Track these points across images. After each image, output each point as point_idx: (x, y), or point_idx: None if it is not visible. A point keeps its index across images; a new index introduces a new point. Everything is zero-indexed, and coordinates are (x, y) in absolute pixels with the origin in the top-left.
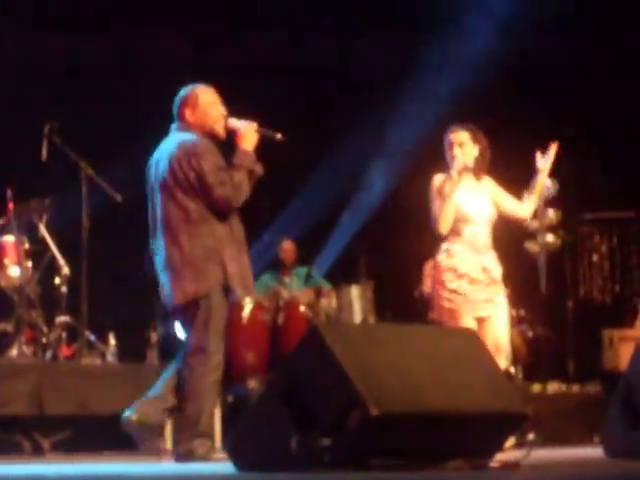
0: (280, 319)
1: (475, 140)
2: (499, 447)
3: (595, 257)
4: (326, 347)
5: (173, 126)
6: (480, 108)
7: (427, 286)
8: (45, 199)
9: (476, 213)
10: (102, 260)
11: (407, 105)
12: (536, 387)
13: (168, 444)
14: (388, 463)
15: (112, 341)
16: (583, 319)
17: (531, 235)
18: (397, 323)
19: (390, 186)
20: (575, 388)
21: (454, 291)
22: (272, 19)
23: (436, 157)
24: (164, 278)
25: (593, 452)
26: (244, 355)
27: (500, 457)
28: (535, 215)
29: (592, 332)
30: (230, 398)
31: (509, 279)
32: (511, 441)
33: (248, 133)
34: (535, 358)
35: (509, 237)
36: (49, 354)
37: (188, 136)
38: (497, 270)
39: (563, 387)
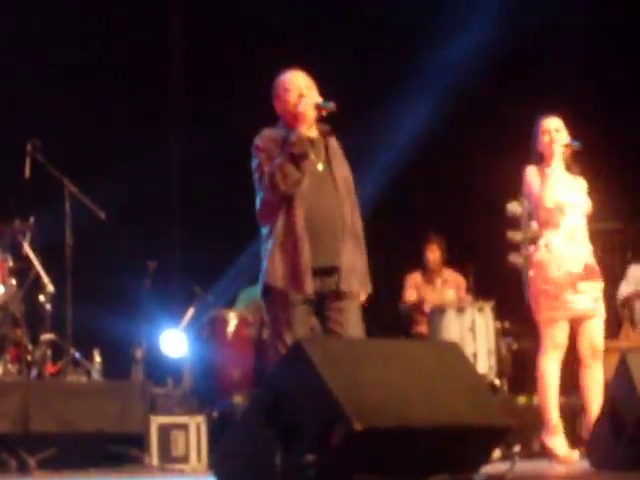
0: (265, 334)
1: (567, 130)
2: (484, 460)
3: None
4: (309, 362)
5: None
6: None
7: (410, 296)
8: (29, 219)
9: (574, 205)
10: (86, 277)
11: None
12: (522, 399)
13: (154, 460)
14: (373, 478)
15: (97, 358)
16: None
17: (515, 247)
18: (381, 337)
19: (367, 201)
20: (560, 400)
21: (557, 285)
22: None
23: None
24: None
25: (579, 464)
26: (229, 370)
27: (486, 470)
28: (519, 227)
29: (576, 344)
30: (215, 413)
31: (493, 291)
32: (497, 453)
33: (304, 111)
34: (520, 370)
35: (493, 249)
36: (34, 372)
37: (267, 129)
38: (594, 263)
39: None
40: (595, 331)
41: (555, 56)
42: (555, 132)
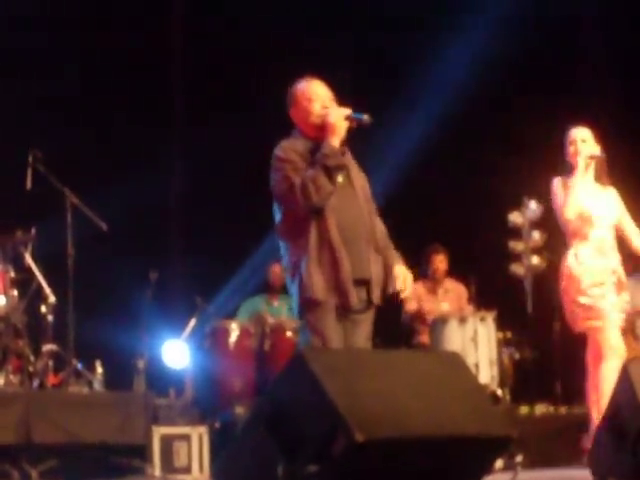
0: (267, 345)
1: (596, 140)
2: (486, 470)
3: None
4: (311, 373)
5: None
6: None
7: (412, 307)
8: (30, 230)
9: (602, 217)
10: (88, 288)
11: None
12: (523, 409)
13: (157, 471)
14: None
15: (99, 369)
16: (570, 341)
17: (517, 257)
18: (383, 348)
19: None
20: (562, 410)
21: (590, 297)
22: None
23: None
24: None
25: (581, 474)
26: (231, 380)
27: None
28: (520, 237)
29: (579, 353)
30: (217, 424)
31: (495, 301)
32: (499, 463)
33: (335, 122)
34: (522, 380)
35: (495, 259)
36: (36, 383)
37: (284, 140)
38: (622, 274)
39: (550, 409)
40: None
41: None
42: (581, 142)
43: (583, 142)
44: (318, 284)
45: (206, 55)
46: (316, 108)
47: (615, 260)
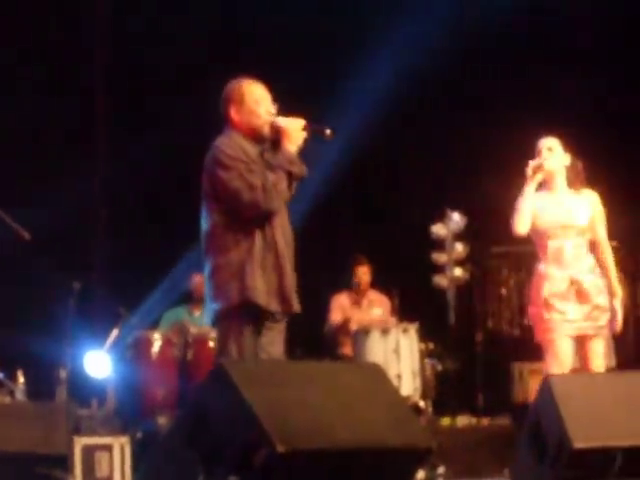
0: (189, 355)
1: (566, 149)
2: None
3: (503, 290)
4: (232, 384)
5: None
6: None
7: (336, 319)
8: None
9: (561, 227)
10: (10, 298)
11: None
12: (445, 420)
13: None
14: None
15: (21, 379)
16: (492, 352)
17: (440, 269)
18: (306, 360)
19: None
20: (485, 421)
21: (550, 308)
22: None
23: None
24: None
25: None
26: (153, 391)
27: None
28: (443, 249)
29: (501, 365)
30: (139, 434)
31: (418, 313)
32: (421, 475)
33: (294, 131)
34: (444, 391)
35: (417, 271)
36: None
37: (224, 138)
38: (592, 284)
39: (473, 420)
40: (587, 353)
41: None
42: (547, 151)
43: (549, 151)
44: (261, 289)
45: (128, 61)
46: (262, 111)
47: (577, 269)
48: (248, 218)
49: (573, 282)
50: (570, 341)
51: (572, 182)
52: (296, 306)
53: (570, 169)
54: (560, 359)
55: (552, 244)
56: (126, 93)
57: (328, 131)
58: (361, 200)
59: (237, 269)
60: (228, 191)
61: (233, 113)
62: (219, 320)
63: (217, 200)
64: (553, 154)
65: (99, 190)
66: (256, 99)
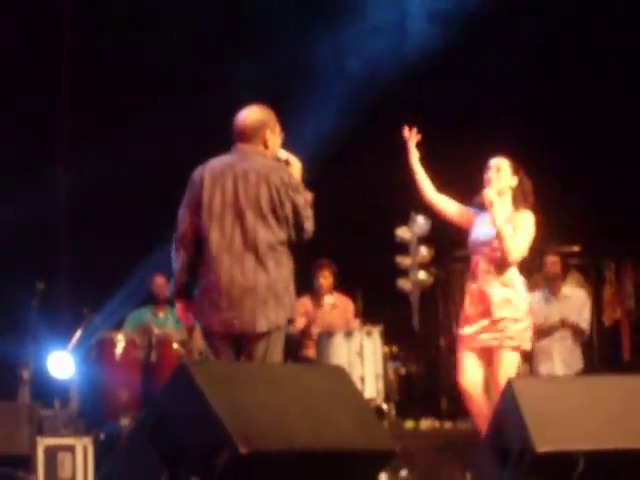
0: (153, 356)
1: (515, 171)
2: None
3: None
4: (195, 385)
5: (247, 147)
6: None
7: (300, 323)
8: None
9: (481, 242)
10: None
11: None
12: (409, 424)
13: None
14: None
15: None
16: (455, 356)
17: (404, 272)
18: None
19: None
20: (448, 425)
21: (461, 320)
22: None
23: None
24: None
25: None
26: (117, 392)
27: None
28: (408, 252)
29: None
30: (102, 435)
31: (382, 316)
32: (383, 478)
33: (297, 167)
34: (408, 395)
35: (382, 274)
36: None
37: (274, 162)
38: (500, 299)
39: (436, 424)
40: (496, 365)
41: None
42: (495, 172)
43: (497, 171)
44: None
45: (93, 70)
46: (280, 141)
47: (487, 283)
48: (303, 242)
49: (482, 298)
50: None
51: (516, 203)
52: None
53: (516, 190)
54: None
55: (473, 258)
56: (90, 93)
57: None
58: (326, 202)
59: (288, 284)
60: (298, 216)
61: (267, 137)
62: (275, 329)
63: (284, 219)
64: (500, 175)
65: (63, 190)
66: (279, 130)
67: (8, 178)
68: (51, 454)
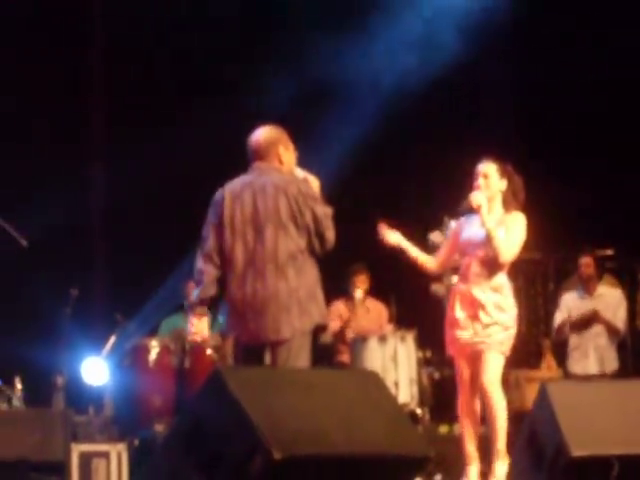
0: (187, 362)
1: (503, 174)
2: None
3: None
4: (229, 391)
5: (263, 164)
6: None
7: (334, 325)
8: None
9: (473, 244)
10: (8, 304)
11: None
12: (443, 428)
13: None
14: None
15: (18, 386)
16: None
17: (437, 277)
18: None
19: None
20: (482, 429)
21: (449, 323)
22: None
23: None
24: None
25: None
26: (151, 398)
27: None
28: None
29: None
30: (136, 442)
31: (415, 320)
32: None
33: (315, 184)
34: (442, 399)
35: (415, 279)
36: None
37: (291, 176)
38: (491, 304)
39: None
40: (482, 367)
41: None
42: (483, 178)
43: (485, 178)
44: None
45: (126, 71)
46: (294, 157)
47: (477, 287)
48: (321, 251)
49: (473, 300)
50: None
51: (507, 205)
52: None
53: (506, 192)
54: None
55: (463, 260)
56: (126, 93)
57: None
58: (358, 207)
59: (313, 291)
60: (319, 226)
61: (282, 153)
62: (299, 335)
63: (305, 228)
64: (488, 182)
65: (98, 196)
66: (292, 148)
67: (41, 182)
68: (85, 460)
